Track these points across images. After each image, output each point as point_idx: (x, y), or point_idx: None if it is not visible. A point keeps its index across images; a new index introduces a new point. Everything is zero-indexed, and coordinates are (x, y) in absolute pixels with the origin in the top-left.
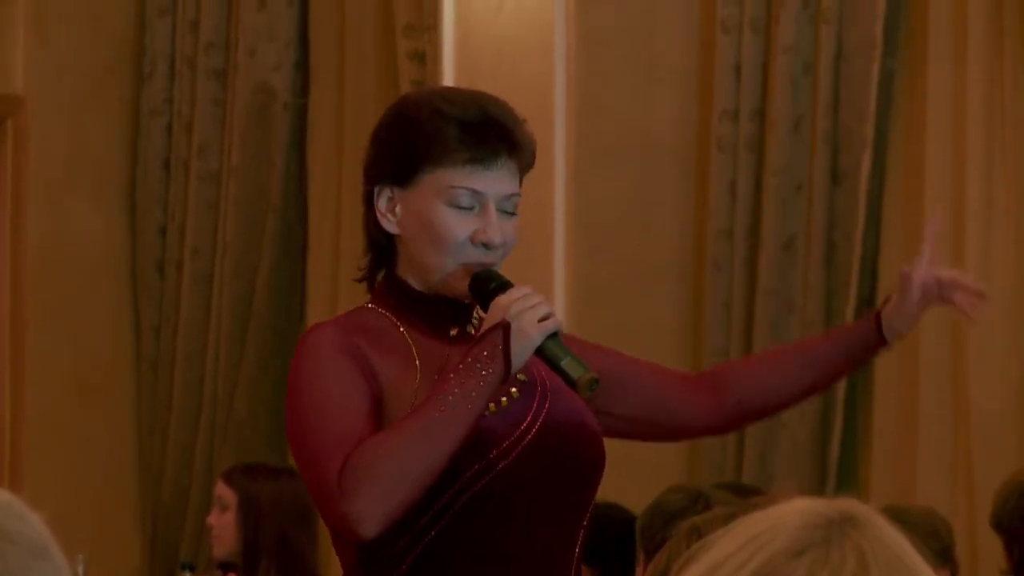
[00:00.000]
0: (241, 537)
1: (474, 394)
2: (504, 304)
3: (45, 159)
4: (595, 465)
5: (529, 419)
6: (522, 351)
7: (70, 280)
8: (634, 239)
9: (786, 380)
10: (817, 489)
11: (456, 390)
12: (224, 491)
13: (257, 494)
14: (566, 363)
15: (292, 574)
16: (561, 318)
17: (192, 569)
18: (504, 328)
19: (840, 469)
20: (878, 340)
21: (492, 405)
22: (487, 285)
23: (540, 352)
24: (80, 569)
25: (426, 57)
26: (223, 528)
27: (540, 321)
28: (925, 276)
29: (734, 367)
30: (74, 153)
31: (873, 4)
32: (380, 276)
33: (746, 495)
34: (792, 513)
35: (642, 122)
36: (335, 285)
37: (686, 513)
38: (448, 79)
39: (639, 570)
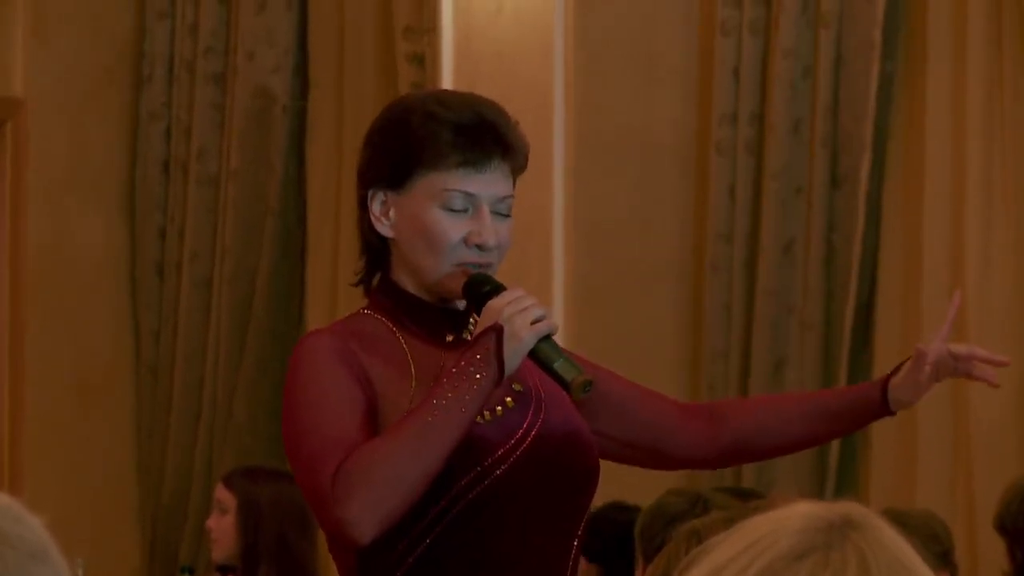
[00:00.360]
0: (241, 540)
1: (467, 398)
2: (497, 307)
3: (44, 162)
4: (589, 473)
5: (524, 428)
6: (515, 354)
7: (69, 283)
8: (634, 240)
9: (785, 426)
10: (817, 493)
11: (450, 394)
12: (224, 494)
13: (257, 497)
14: (559, 365)
15: None
16: (560, 319)
17: (191, 572)
18: (497, 332)
19: (839, 472)
20: (882, 408)
21: (487, 414)
22: (481, 289)
23: (533, 355)
24: (79, 572)
25: (425, 60)
26: (223, 531)
27: (533, 324)
28: (939, 351)
29: (735, 405)
30: (73, 156)
31: (872, 7)
32: (376, 280)
33: (746, 498)
34: (793, 517)
35: (641, 124)
36: (334, 288)
37: (685, 516)
38: (447, 82)
39: (637, 573)
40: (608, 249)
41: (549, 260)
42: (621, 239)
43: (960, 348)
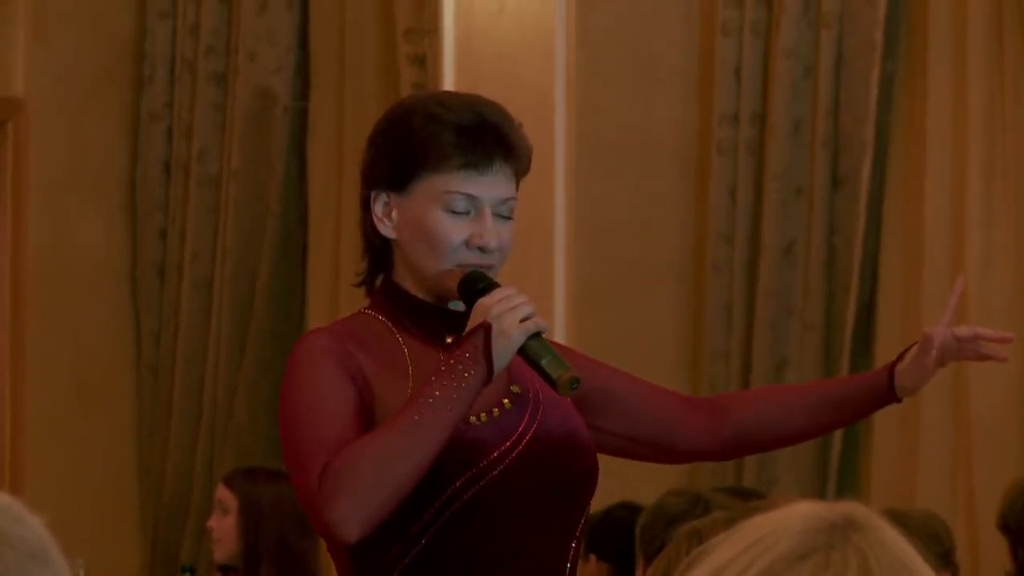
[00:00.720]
0: (242, 540)
1: (455, 396)
2: (486, 305)
3: (45, 162)
4: (587, 476)
5: (520, 430)
6: (504, 352)
7: (70, 283)
8: (634, 241)
9: (788, 418)
10: (818, 493)
11: (437, 393)
12: (225, 495)
13: (258, 498)
14: (546, 362)
15: None
16: (561, 320)
17: (193, 572)
18: (485, 329)
19: (841, 472)
20: (888, 395)
21: (483, 415)
22: (474, 286)
23: (522, 352)
24: (80, 572)
25: (427, 61)
26: (224, 531)
27: (522, 322)
28: (943, 335)
29: (737, 397)
30: (74, 156)
31: (873, 8)
32: (379, 281)
33: (747, 499)
34: (794, 517)
35: (642, 125)
36: (335, 289)
37: (686, 517)
38: (449, 83)
39: (638, 573)
40: (609, 250)
41: (550, 261)
42: (622, 240)
43: (963, 330)
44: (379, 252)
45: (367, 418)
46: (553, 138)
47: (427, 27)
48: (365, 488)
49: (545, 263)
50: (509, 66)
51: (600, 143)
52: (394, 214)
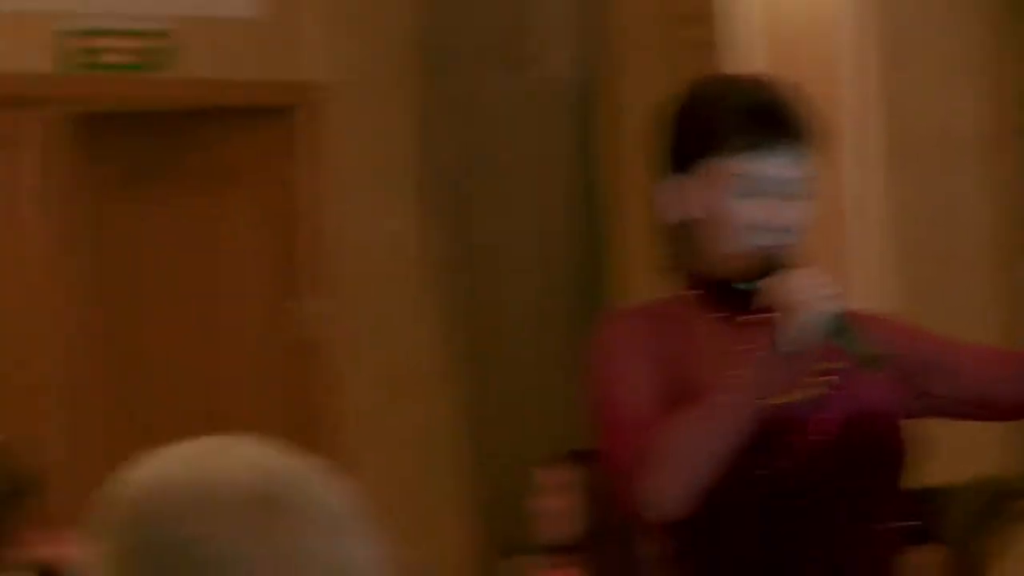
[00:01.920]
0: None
1: (757, 380)
2: (788, 287)
3: (341, 150)
4: (897, 456)
5: (829, 409)
6: (807, 334)
7: (368, 271)
8: (945, 230)
9: None
10: None
11: (740, 377)
12: (562, 476)
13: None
14: (848, 342)
15: None
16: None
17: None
18: (787, 312)
19: None
20: None
21: (792, 395)
22: (773, 270)
23: (825, 333)
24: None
25: (711, 45)
26: (559, 512)
27: (823, 302)
28: None
29: None
30: (367, 146)
31: None
32: (675, 264)
33: None
34: None
35: (942, 114)
36: (632, 274)
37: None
38: (731, 67)
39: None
40: (925, 239)
41: (868, 249)
42: (935, 228)
43: None
44: (673, 237)
45: (671, 397)
46: (840, 124)
47: (707, 11)
48: (677, 466)
49: (865, 251)
50: (790, 49)
51: (899, 132)
52: (684, 198)
